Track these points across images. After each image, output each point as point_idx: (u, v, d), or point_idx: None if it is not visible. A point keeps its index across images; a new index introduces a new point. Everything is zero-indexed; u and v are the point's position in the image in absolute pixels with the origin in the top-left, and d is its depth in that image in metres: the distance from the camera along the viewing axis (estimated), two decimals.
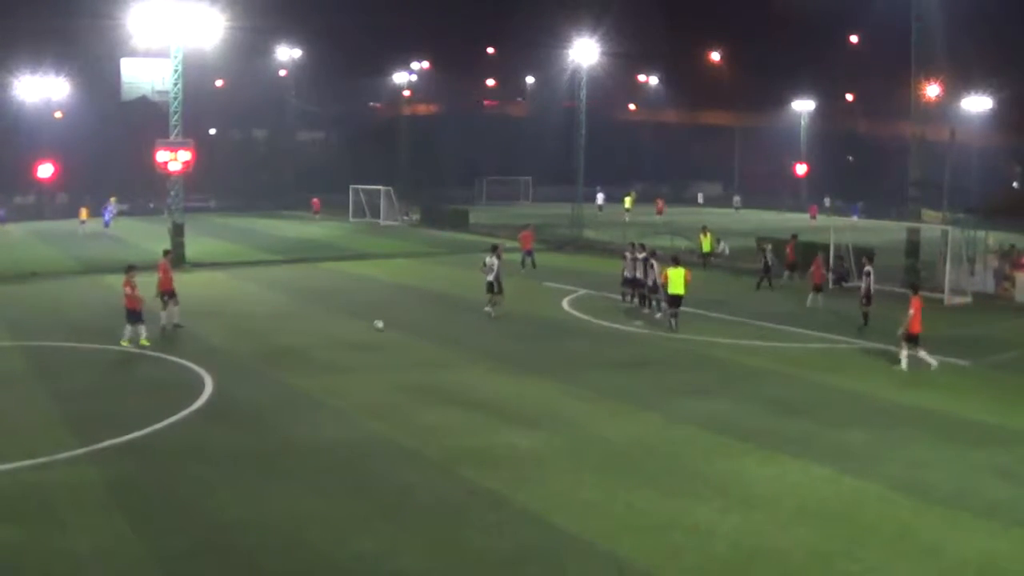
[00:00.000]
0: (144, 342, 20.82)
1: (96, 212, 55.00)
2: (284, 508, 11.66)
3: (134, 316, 20.86)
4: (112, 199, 58.01)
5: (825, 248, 31.07)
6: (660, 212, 66.00)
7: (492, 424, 15.30)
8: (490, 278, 25.34)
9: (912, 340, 19.81)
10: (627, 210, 64.45)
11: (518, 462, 13.42)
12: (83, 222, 52.05)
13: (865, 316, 24.09)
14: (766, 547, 10.61)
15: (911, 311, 19.73)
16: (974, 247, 31.02)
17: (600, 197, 71.36)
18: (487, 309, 25.14)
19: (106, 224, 53.31)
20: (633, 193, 69.65)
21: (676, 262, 23.93)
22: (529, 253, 35.88)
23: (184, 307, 26.85)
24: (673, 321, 23.20)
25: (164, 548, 10.55)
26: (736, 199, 76.71)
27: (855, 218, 56.03)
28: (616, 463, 13.37)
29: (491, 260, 25.41)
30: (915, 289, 21.09)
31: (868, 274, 24.36)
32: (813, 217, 59.55)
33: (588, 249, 43.12)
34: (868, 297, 24.15)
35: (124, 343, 20.83)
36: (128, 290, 21.08)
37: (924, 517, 11.53)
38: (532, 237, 37.40)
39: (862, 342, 22.41)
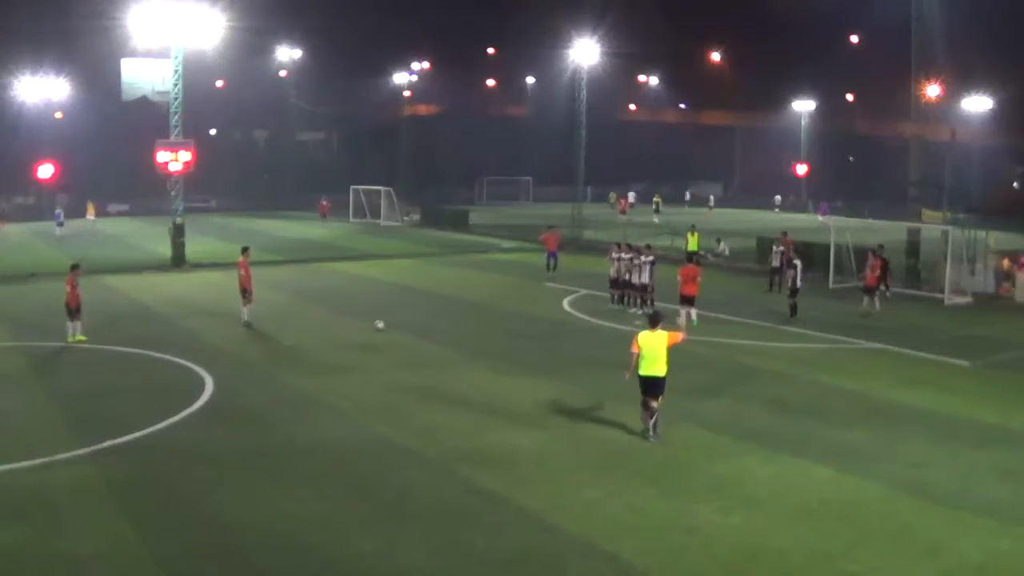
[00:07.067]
0: (80, 338, 21.60)
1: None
2: (284, 508, 11.67)
3: (72, 312, 21.70)
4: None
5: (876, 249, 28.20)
6: (623, 211, 66.11)
7: (492, 424, 15.30)
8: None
9: (687, 302, 23.58)
10: (656, 212, 65.31)
11: (518, 462, 13.41)
12: None
13: (792, 307, 25.09)
14: (766, 547, 10.61)
15: (679, 278, 23.78)
16: (974, 247, 31.01)
17: (613, 198, 71.97)
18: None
19: None
20: (658, 196, 70.38)
21: (654, 323, 14.55)
22: (553, 255, 34.88)
23: (185, 307, 27.00)
24: (649, 422, 14.25)
25: (164, 548, 10.55)
26: (711, 198, 77.70)
27: (819, 217, 57.60)
28: (616, 463, 13.36)
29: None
30: (689, 259, 25.76)
31: (795, 267, 25.39)
32: (824, 215, 59.82)
33: (589, 249, 43.09)
34: (794, 289, 25.19)
35: (70, 339, 21.49)
36: (69, 288, 21.72)
37: (924, 517, 11.53)
38: (558, 238, 36.21)
39: (862, 342, 22.39)
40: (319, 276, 34.93)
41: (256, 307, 24.29)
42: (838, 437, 14.67)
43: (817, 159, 79.30)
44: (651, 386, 14.20)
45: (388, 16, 75.51)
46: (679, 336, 14.68)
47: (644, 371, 14.18)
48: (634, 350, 14.25)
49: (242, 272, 24.15)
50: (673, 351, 14.33)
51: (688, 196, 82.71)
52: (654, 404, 14.19)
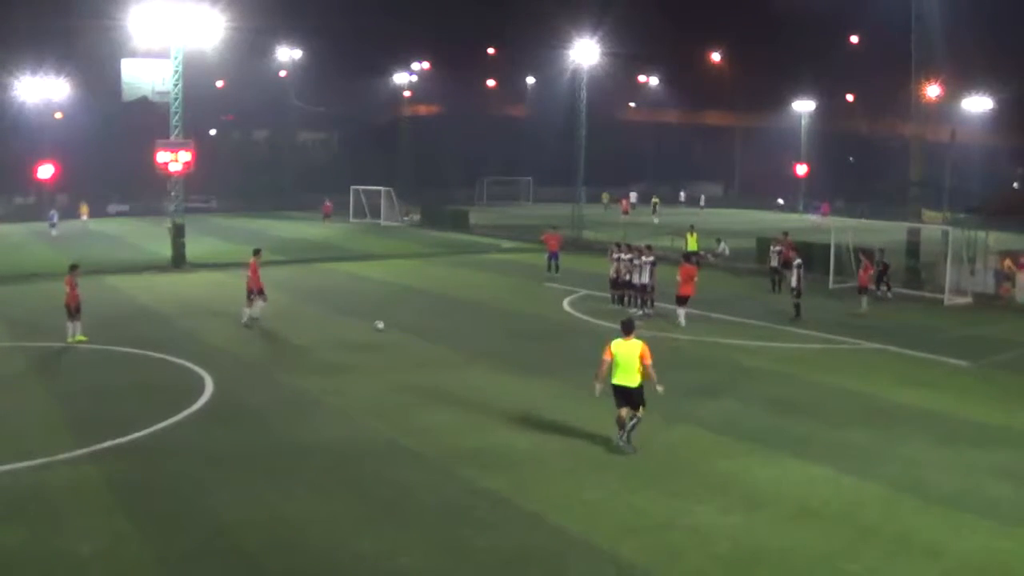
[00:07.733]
0: (81, 338, 21.57)
1: None
2: (285, 508, 11.66)
3: (72, 312, 21.67)
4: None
5: (868, 251, 29.41)
6: (626, 212, 66.14)
7: (492, 424, 15.30)
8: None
9: (682, 301, 24.08)
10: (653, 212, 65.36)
11: (518, 462, 13.41)
12: None
13: (797, 308, 25.14)
14: (767, 547, 10.61)
15: (679, 278, 24.21)
16: (974, 247, 31.01)
17: (607, 199, 72.13)
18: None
19: None
20: (656, 198, 70.47)
21: (627, 330, 13.91)
22: (554, 255, 34.65)
23: (185, 308, 27.02)
24: (620, 438, 13.69)
25: (165, 549, 10.55)
26: (702, 198, 78.11)
27: (811, 217, 58.00)
28: (616, 463, 13.36)
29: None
30: (686, 259, 26.07)
31: (799, 267, 25.50)
32: (825, 215, 59.93)
33: (589, 249, 43.11)
34: (799, 290, 25.24)
35: (70, 339, 21.47)
36: (68, 288, 21.72)
37: (925, 517, 11.53)
38: (559, 239, 35.99)
39: (862, 342, 22.39)
40: (319, 276, 34.93)
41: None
42: (838, 437, 14.67)
43: (817, 159, 79.27)
44: (624, 396, 13.68)
45: (388, 16, 75.61)
46: (648, 359, 13.58)
47: (617, 380, 13.70)
48: (606, 358, 13.71)
49: (251, 274, 24.10)
50: (673, 351, 14.30)
51: (683, 196, 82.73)
52: (621, 414, 13.67)
